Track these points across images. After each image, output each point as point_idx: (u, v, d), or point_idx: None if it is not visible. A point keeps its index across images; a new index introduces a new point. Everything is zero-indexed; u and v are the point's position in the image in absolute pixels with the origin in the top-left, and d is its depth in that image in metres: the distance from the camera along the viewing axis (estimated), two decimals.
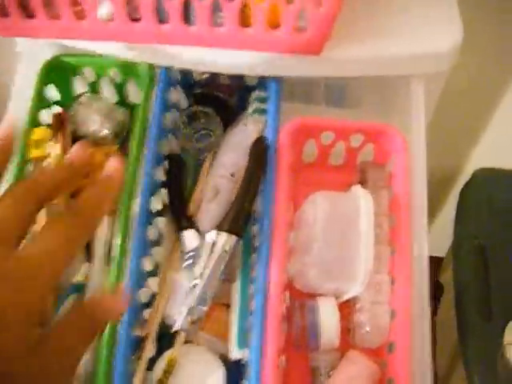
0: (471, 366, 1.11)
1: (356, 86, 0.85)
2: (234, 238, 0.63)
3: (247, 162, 0.68)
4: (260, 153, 0.68)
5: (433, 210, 1.52)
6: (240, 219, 0.64)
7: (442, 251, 1.42)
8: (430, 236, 1.63)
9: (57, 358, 0.40)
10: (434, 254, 1.52)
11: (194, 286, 0.61)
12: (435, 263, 1.47)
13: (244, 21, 0.66)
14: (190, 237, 0.67)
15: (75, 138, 0.75)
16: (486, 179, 1.26)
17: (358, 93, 0.86)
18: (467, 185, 1.27)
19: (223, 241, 0.62)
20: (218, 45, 0.68)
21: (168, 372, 0.65)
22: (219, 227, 0.63)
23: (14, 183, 0.44)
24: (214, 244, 0.63)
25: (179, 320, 0.61)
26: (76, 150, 0.44)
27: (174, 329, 0.62)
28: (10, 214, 0.39)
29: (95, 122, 0.76)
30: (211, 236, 0.63)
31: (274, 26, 0.66)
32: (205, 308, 0.61)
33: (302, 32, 0.66)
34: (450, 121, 1.25)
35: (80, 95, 0.79)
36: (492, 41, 1.05)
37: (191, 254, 0.66)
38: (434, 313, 1.45)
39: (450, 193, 1.44)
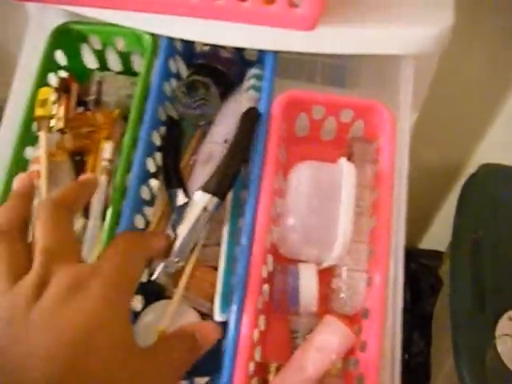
0: (461, 357, 1.12)
1: (356, 66, 0.88)
2: (215, 199, 0.66)
3: (237, 129, 0.71)
4: (250, 120, 0.71)
5: (437, 204, 1.54)
6: (223, 182, 0.67)
7: (444, 246, 1.44)
8: (433, 230, 1.65)
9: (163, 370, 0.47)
10: (436, 248, 1.55)
11: (173, 241, 0.65)
12: (437, 257, 1.49)
13: None
14: (178, 195, 0.70)
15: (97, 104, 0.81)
16: (490, 174, 1.28)
17: (357, 73, 0.89)
18: (470, 179, 1.29)
19: (204, 201, 0.65)
20: (216, 17, 0.71)
21: None
22: (203, 188, 0.66)
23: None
24: (196, 203, 0.66)
25: (156, 271, 0.64)
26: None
27: (152, 278, 0.65)
28: None
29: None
30: (195, 196, 0.67)
31: (270, 0, 0.69)
32: (181, 263, 0.64)
33: (295, 7, 0.69)
34: (457, 115, 1.27)
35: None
36: (501, 32, 1.07)
37: (177, 211, 0.69)
38: (433, 307, 1.47)
39: (454, 189, 1.46)
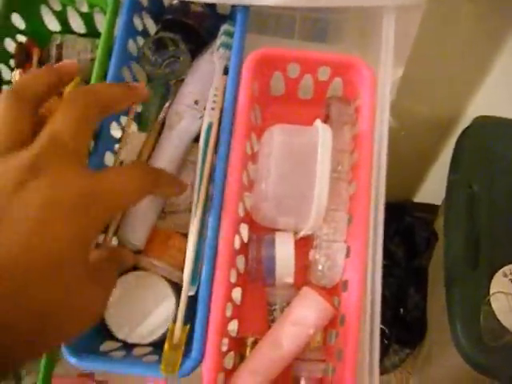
0: (454, 314, 1.10)
1: (338, 20, 0.82)
2: None
3: None
4: None
5: (433, 157, 1.50)
6: None
7: (439, 199, 1.40)
8: (428, 184, 1.61)
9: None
10: (432, 202, 1.50)
11: None
12: (432, 211, 1.45)
13: None
14: None
15: None
16: (484, 127, 1.23)
17: (340, 28, 0.83)
18: (464, 132, 1.24)
19: None
20: None
21: None
22: None
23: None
24: None
25: None
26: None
27: None
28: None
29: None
30: None
31: None
32: None
33: None
34: (450, 68, 1.21)
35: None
36: None
37: None
38: (428, 261, 1.44)
39: (449, 140, 1.41)
